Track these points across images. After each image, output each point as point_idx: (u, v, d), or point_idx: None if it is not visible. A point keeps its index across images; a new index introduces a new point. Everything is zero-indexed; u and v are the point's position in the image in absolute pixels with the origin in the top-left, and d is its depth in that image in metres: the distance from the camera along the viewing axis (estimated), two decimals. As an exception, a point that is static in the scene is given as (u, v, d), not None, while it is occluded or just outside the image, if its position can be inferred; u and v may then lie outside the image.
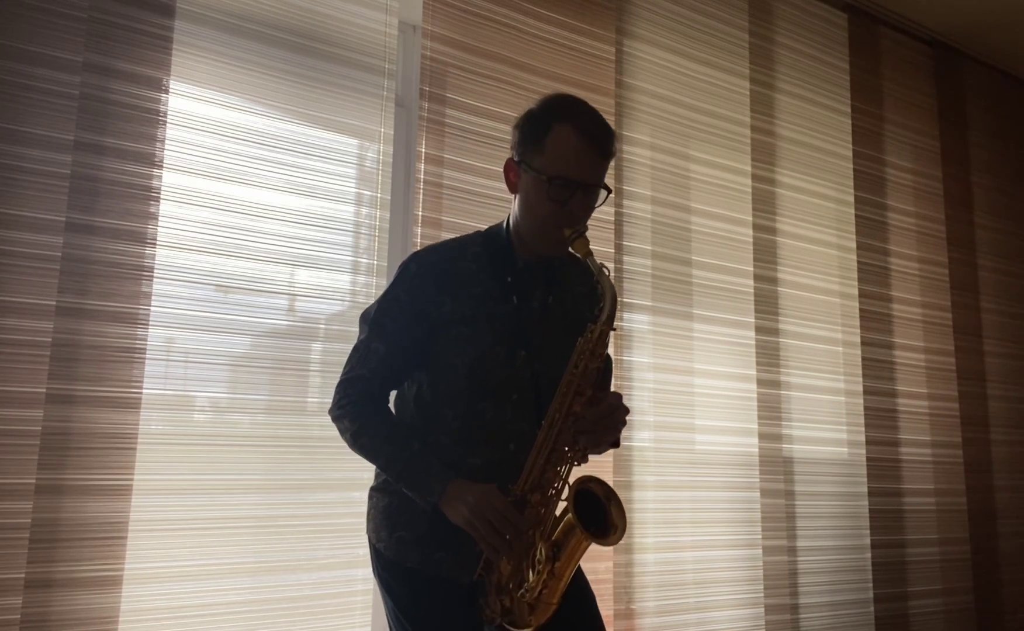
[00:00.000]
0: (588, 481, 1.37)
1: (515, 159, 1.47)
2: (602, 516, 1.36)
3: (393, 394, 1.59)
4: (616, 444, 1.50)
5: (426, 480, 1.39)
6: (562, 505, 1.36)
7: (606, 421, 1.38)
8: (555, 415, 1.38)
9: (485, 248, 1.52)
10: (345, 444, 1.50)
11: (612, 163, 1.49)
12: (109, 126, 1.90)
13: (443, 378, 1.47)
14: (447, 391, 1.47)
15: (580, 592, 1.51)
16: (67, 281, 1.81)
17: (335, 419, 1.51)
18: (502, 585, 1.38)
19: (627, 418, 1.44)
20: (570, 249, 1.44)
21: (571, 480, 1.37)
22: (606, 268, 1.41)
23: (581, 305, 1.53)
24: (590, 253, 1.40)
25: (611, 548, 2.35)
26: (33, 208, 1.79)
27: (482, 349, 1.44)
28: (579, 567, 1.44)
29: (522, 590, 1.35)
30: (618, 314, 1.42)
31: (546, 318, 1.50)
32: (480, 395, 1.45)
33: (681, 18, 2.92)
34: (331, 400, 1.51)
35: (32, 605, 1.70)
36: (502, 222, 1.55)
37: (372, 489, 1.57)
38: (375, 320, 1.49)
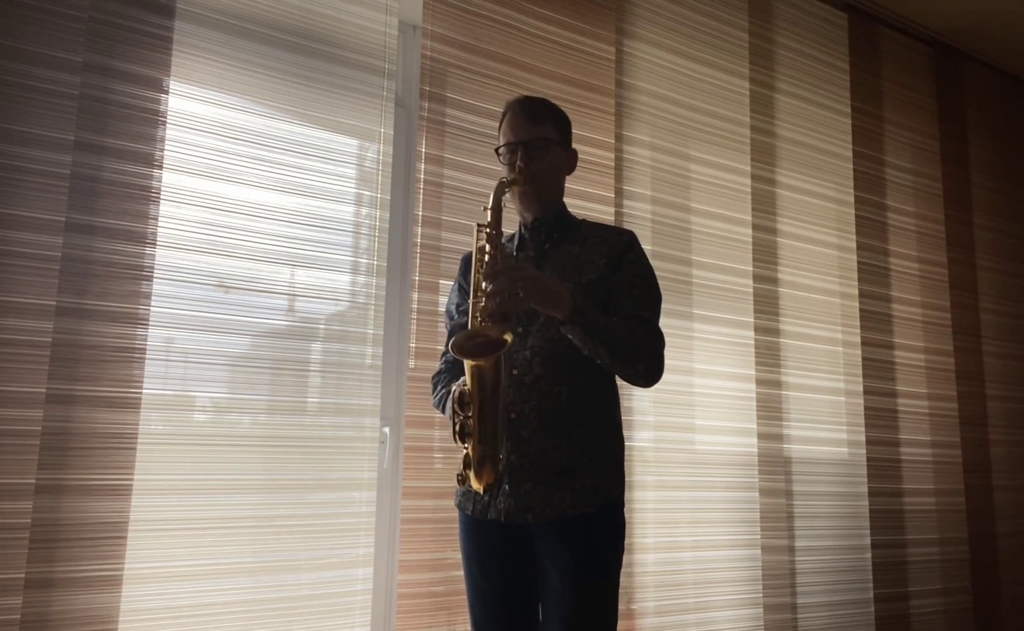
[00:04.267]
0: (469, 336, 1.49)
1: None
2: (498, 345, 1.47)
3: None
4: (540, 305, 1.51)
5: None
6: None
7: (496, 279, 1.46)
8: (471, 299, 1.57)
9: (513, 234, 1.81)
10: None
11: (550, 127, 1.71)
12: (109, 126, 1.90)
13: None
14: None
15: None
16: (67, 281, 1.81)
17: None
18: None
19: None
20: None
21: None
22: (496, 185, 1.62)
23: (593, 250, 1.71)
24: (502, 184, 1.62)
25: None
26: (33, 208, 1.79)
27: None
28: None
29: (459, 442, 1.51)
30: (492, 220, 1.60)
31: (544, 263, 1.71)
32: None
33: (681, 18, 2.92)
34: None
35: (32, 605, 1.70)
36: None
37: None
38: (446, 307, 1.84)
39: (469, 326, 1.55)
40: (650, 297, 1.68)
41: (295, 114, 2.18)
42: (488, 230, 1.59)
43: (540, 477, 1.58)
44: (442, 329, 2.28)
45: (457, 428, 1.51)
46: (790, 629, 2.81)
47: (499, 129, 1.77)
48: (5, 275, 1.75)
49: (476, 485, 1.51)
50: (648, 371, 1.62)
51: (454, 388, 1.53)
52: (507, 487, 1.59)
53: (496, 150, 1.75)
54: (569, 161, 1.79)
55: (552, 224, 1.75)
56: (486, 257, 1.57)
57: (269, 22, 2.17)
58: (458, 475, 1.53)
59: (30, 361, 1.75)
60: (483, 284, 1.52)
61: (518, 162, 1.68)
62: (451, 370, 1.75)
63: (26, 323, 1.76)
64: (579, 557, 1.56)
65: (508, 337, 1.44)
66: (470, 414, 1.49)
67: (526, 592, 1.65)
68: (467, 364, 1.47)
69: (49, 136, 1.82)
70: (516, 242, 1.77)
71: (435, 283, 2.31)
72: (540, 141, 1.69)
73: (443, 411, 1.72)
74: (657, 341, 1.64)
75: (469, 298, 1.75)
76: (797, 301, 3.05)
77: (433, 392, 1.78)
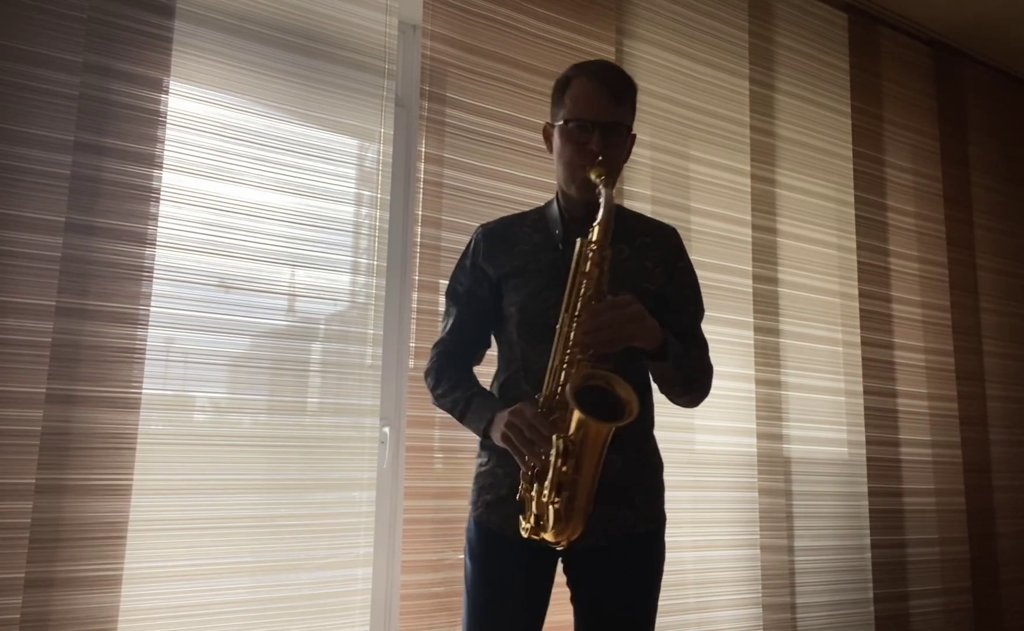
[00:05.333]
0: (589, 377, 1.35)
1: (549, 122, 1.60)
2: (614, 403, 1.34)
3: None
4: (639, 343, 1.41)
5: (479, 413, 1.52)
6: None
7: (603, 319, 1.35)
8: (562, 320, 1.40)
9: (541, 213, 1.66)
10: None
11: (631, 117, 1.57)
12: (109, 126, 1.90)
13: (504, 328, 1.61)
14: (507, 339, 1.60)
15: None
16: (67, 281, 1.81)
17: (425, 379, 1.66)
18: (535, 492, 1.39)
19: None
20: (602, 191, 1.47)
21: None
22: (605, 190, 1.42)
23: (644, 254, 1.59)
24: (602, 180, 1.43)
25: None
26: (33, 208, 1.79)
27: (529, 292, 1.55)
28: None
29: (549, 494, 1.35)
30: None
31: None
32: (532, 337, 1.53)
33: (681, 18, 2.92)
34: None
35: (32, 605, 1.70)
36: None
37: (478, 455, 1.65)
38: (449, 289, 1.68)
39: (555, 346, 1.39)
40: (700, 310, 1.64)
41: (295, 114, 2.18)
42: (598, 250, 1.39)
43: (599, 496, 1.46)
44: (442, 329, 2.28)
45: (555, 480, 1.34)
46: (790, 629, 2.81)
47: (563, 93, 1.55)
48: (5, 275, 1.75)
49: (552, 538, 1.36)
50: (703, 396, 1.58)
51: (555, 438, 1.33)
52: None
53: (565, 122, 1.52)
54: (630, 146, 1.61)
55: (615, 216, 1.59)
56: (593, 279, 1.39)
57: (269, 22, 2.17)
58: (524, 528, 1.39)
59: (30, 361, 1.75)
60: (579, 306, 1.38)
61: (592, 146, 1.47)
62: (444, 368, 1.63)
63: (26, 323, 1.76)
64: (633, 576, 1.51)
65: (635, 409, 1.31)
66: (566, 468, 1.32)
67: (539, 621, 1.56)
68: (579, 414, 1.30)
69: (49, 136, 1.82)
70: (560, 233, 1.57)
71: (435, 283, 2.31)
72: (621, 128, 1.53)
73: (461, 421, 1.58)
74: (709, 361, 1.59)
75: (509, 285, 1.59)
76: (797, 301, 3.05)
77: (432, 391, 1.64)
